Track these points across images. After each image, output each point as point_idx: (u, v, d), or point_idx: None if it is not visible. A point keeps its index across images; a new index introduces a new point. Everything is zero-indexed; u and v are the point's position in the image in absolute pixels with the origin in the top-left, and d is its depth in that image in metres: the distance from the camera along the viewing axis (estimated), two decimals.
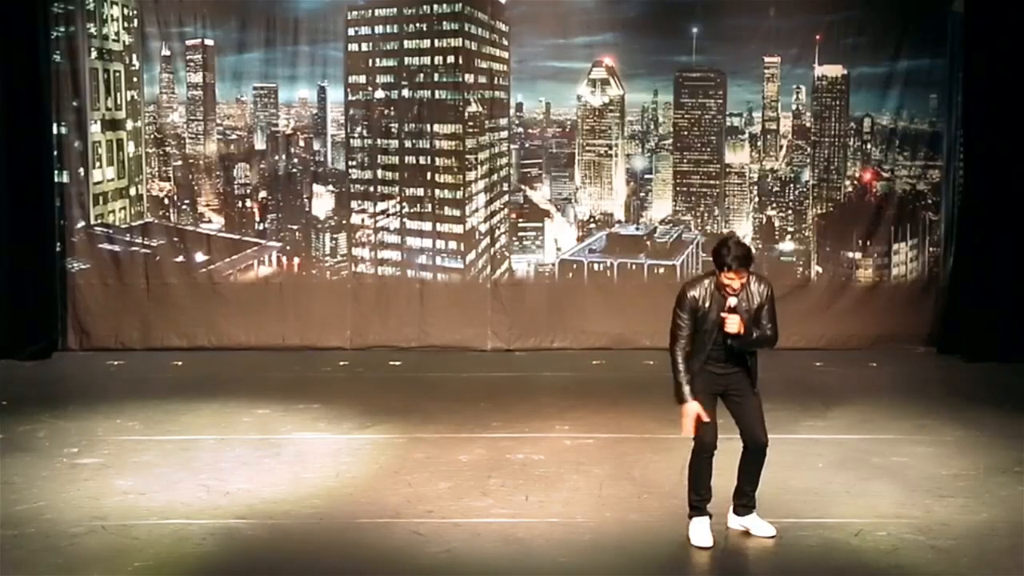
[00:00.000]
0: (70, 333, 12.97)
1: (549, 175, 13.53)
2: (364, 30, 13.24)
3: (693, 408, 6.90)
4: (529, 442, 9.29)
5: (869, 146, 13.43)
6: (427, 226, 13.29)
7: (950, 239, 13.10)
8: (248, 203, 13.42)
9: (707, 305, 6.95)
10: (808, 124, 13.43)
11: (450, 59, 13.13)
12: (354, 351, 12.98)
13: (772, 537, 7.15)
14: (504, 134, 13.40)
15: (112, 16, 13.07)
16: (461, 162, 13.23)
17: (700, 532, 7.08)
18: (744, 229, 13.43)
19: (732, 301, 6.92)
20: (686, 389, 6.91)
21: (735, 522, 7.29)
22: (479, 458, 8.87)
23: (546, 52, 13.27)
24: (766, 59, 13.27)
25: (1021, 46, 12.22)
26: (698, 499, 7.11)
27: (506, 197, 13.45)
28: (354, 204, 13.32)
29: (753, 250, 6.95)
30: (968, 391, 11.13)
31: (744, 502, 7.24)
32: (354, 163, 13.33)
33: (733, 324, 6.86)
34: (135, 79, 13.19)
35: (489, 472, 8.51)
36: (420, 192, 13.26)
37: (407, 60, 13.20)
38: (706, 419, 6.92)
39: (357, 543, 7.19)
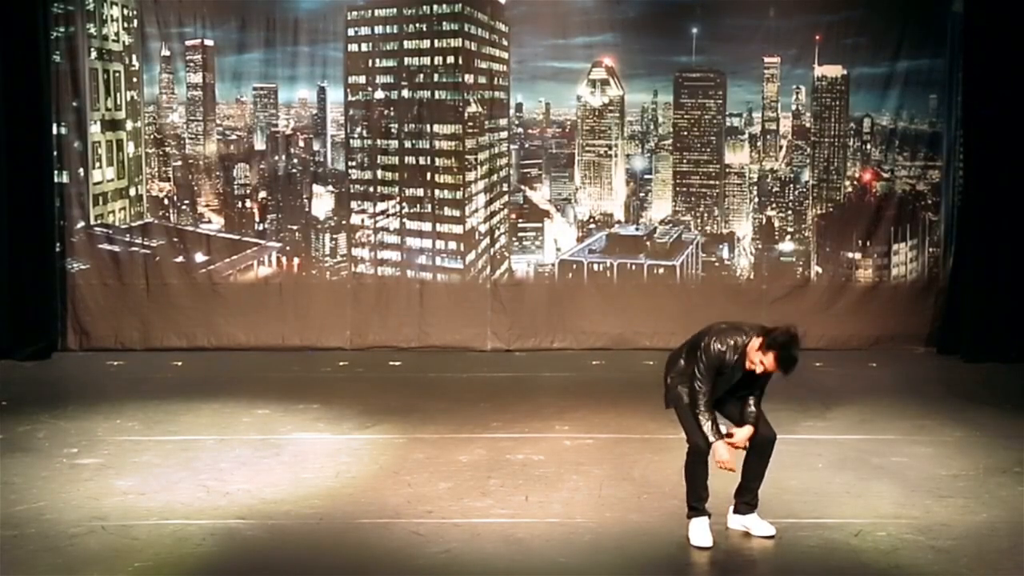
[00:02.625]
0: (70, 333, 12.97)
1: (549, 175, 13.53)
2: (364, 30, 13.24)
3: (721, 448, 6.90)
4: (529, 442, 9.29)
5: (869, 146, 13.43)
6: (427, 226, 13.29)
7: (950, 239, 13.11)
8: (248, 203, 13.42)
9: (731, 366, 6.94)
10: (808, 124, 13.43)
11: (450, 59, 13.14)
12: (354, 351, 12.99)
13: (771, 537, 7.15)
14: (504, 134, 13.41)
15: (112, 16, 13.07)
16: (461, 162, 13.23)
17: (700, 532, 7.08)
18: (744, 229, 13.44)
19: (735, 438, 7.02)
20: (708, 428, 6.90)
21: (736, 521, 7.29)
22: (479, 458, 8.87)
23: (546, 52, 13.28)
24: (766, 59, 13.27)
25: (1021, 46, 12.22)
26: (696, 500, 7.11)
27: (506, 197, 13.45)
28: (354, 204, 13.33)
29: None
30: (968, 391, 11.13)
31: (747, 499, 7.24)
32: (354, 163, 13.33)
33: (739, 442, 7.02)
34: (135, 79, 13.19)
35: (489, 472, 8.51)
36: (420, 192, 13.26)
37: (407, 60, 13.20)
38: (738, 450, 7.01)
39: (357, 543, 7.19)
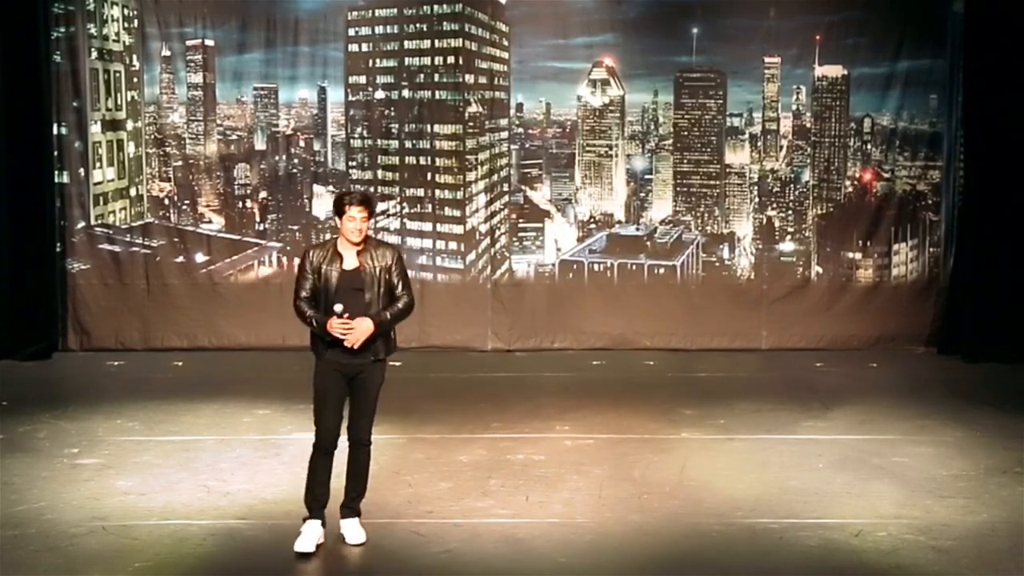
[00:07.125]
0: (70, 333, 12.97)
1: (549, 175, 13.53)
2: (364, 30, 13.24)
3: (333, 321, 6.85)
4: (529, 442, 9.29)
5: (869, 146, 13.43)
6: (427, 226, 13.29)
7: (950, 239, 13.11)
8: (248, 203, 13.42)
9: (326, 269, 7.01)
10: (808, 124, 13.43)
11: (450, 59, 13.13)
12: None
13: (360, 545, 7.06)
14: (504, 134, 13.40)
15: (112, 16, 13.07)
16: (461, 162, 13.23)
17: (306, 538, 6.95)
18: (744, 229, 13.43)
19: (338, 307, 6.83)
20: (313, 315, 6.93)
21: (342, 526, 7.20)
22: (479, 458, 8.87)
23: (546, 52, 13.28)
24: (766, 59, 13.27)
25: (1021, 46, 12.22)
26: (312, 499, 7.02)
27: (506, 197, 13.45)
28: None
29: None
30: (969, 392, 11.13)
31: (345, 503, 7.19)
32: (354, 163, 13.33)
33: (349, 337, 6.88)
34: (135, 79, 13.19)
35: (489, 472, 8.51)
36: (420, 192, 13.26)
37: (407, 60, 13.20)
38: (341, 332, 6.88)
39: (357, 543, 7.18)
